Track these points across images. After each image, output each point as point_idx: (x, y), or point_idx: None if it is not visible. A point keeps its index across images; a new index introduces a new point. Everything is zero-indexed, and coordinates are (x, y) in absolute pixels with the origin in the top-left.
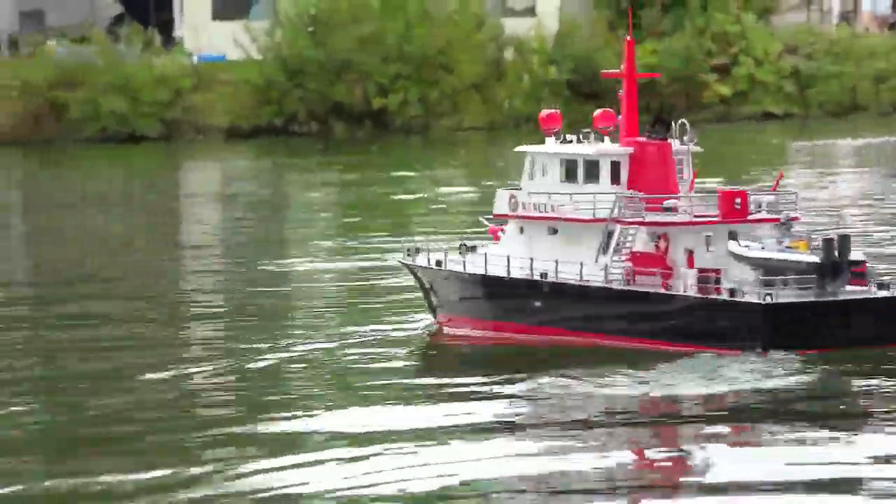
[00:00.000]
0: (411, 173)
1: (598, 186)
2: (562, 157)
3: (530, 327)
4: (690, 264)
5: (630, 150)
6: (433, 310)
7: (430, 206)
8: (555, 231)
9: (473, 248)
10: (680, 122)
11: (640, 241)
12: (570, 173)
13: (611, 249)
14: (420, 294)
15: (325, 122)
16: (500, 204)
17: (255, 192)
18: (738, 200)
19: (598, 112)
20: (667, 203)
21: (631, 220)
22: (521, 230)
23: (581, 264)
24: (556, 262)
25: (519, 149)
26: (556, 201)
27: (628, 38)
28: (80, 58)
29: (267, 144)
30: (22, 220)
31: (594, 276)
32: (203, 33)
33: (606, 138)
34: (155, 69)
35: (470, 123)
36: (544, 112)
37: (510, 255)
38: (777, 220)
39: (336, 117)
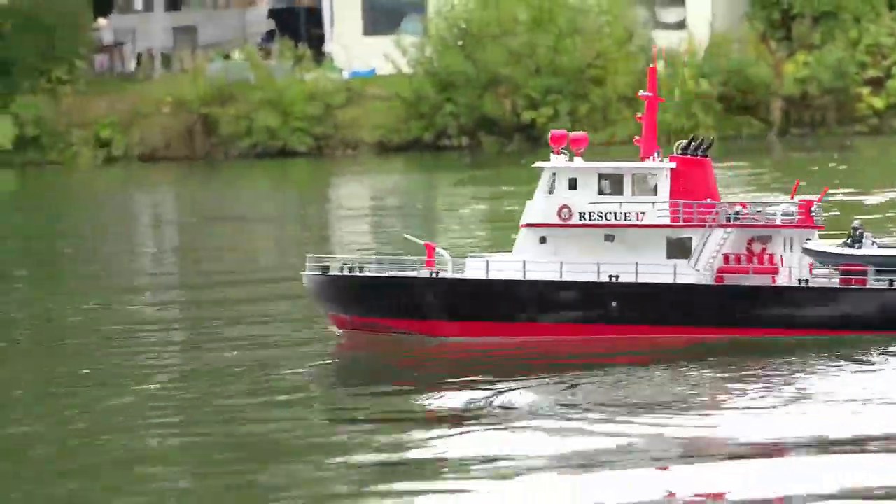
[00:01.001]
0: None
1: (650, 198)
2: (601, 170)
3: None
4: (782, 262)
5: (673, 165)
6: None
7: None
8: (612, 238)
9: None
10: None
11: (731, 244)
12: (612, 187)
13: (707, 251)
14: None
15: (475, 135)
16: (536, 214)
17: (406, 205)
18: (812, 209)
19: (574, 134)
20: (782, 209)
21: (741, 223)
22: (543, 239)
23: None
24: (636, 265)
25: (550, 164)
26: (615, 210)
27: (652, 65)
28: (232, 74)
29: (416, 159)
30: (178, 235)
31: (674, 277)
32: (354, 49)
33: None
34: (306, 85)
35: (620, 137)
36: (574, 134)
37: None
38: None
39: (485, 131)
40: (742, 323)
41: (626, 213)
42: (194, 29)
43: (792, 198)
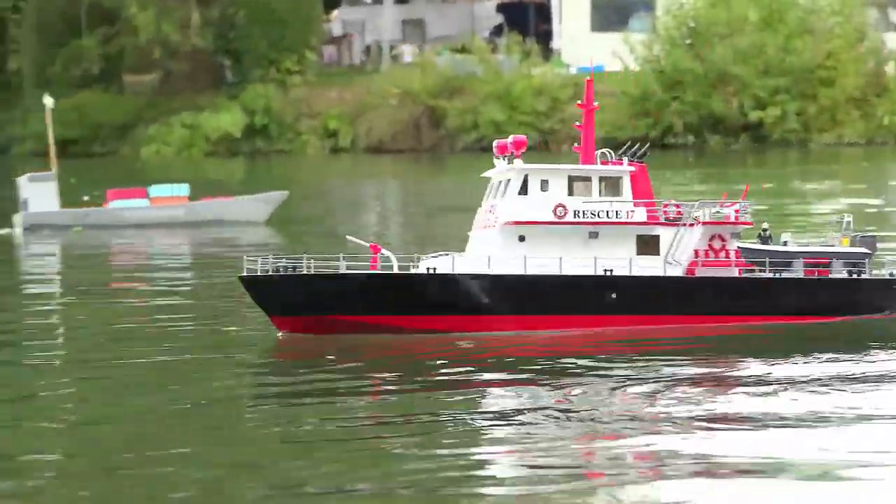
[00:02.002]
0: (778, 186)
1: (620, 198)
2: (570, 173)
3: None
4: (737, 255)
5: (633, 168)
6: None
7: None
8: (596, 235)
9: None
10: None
11: (698, 240)
12: (578, 188)
13: (682, 247)
14: None
15: (700, 134)
16: (516, 213)
17: None
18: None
19: (510, 139)
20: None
21: (714, 221)
22: (522, 238)
23: (630, 261)
24: (631, 260)
25: (525, 167)
26: (606, 209)
27: (588, 77)
28: (460, 67)
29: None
30: (403, 224)
31: (656, 271)
32: (581, 45)
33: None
34: (533, 80)
35: (849, 138)
36: (512, 138)
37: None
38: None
39: (711, 130)
40: (719, 312)
41: (617, 212)
42: (423, 22)
43: (743, 199)
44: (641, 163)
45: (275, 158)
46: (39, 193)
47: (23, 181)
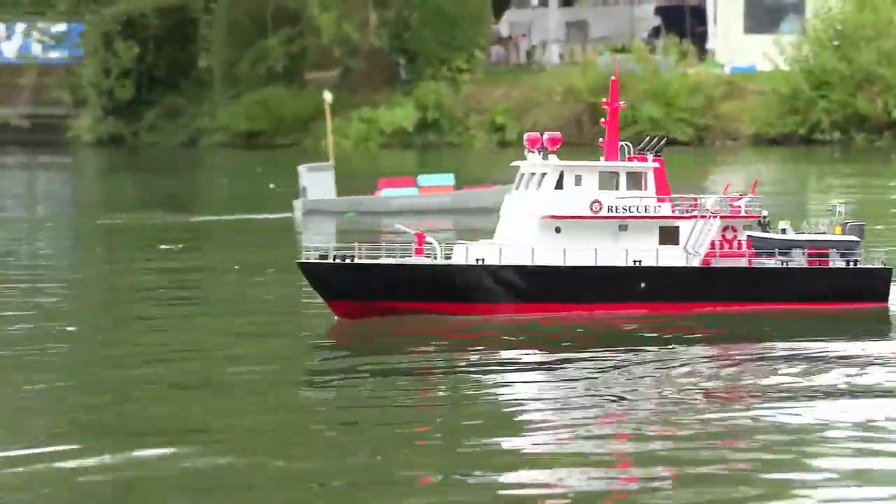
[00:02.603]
0: None
1: (645, 193)
2: (601, 169)
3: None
4: (749, 246)
5: (656, 165)
6: None
7: None
8: (625, 227)
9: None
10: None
11: (716, 232)
12: (607, 182)
13: (700, 238)
14: None
15: (846, 131)
16: (554, 207)
17: (777, 191)
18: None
19: (546, 135)
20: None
21: (738, 215)
22: (558, 229)
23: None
24: (657, 250)
25: (560, 163)
26: (636, 204)
27: (613, 77)
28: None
29: (790, 151)
30: None
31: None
32: (735, 46)
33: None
34: (689, 78)
35: None
36: (547, 134)
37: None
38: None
39: (857, 128)
40: (723, 298)
41: (645, 207)
42: (586, 24)
43: (752, 193)
44: (659, 156)
45: (445, 151)
46: (318, 182)
47: (302, 171)
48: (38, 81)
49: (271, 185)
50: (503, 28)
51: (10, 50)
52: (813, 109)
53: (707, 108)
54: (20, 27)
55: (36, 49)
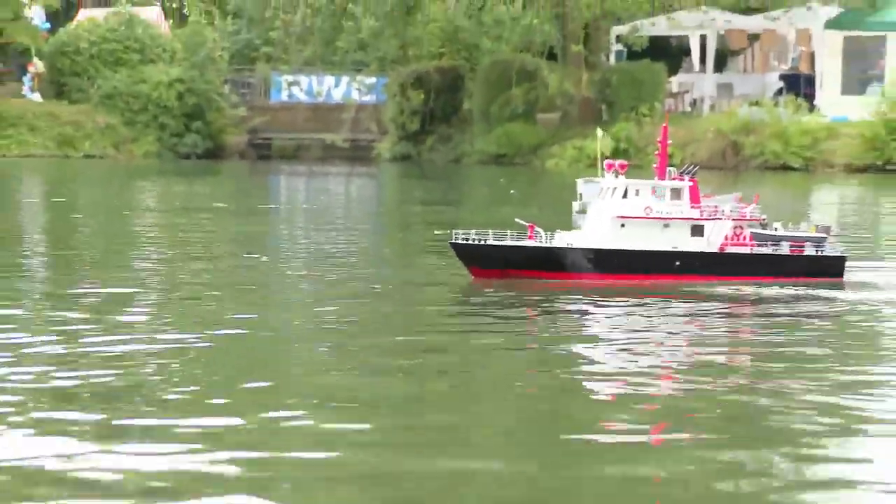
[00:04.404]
0: None
1: (682, 202)
2: (653, 185)
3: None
4: (751, 239)
5: (691, 183)
6: None
7: None
8: (668, 225)
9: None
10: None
11: (729, 229)
12: (659, 195)
13: (717, 233)
14: None
15: None
16: (622, 210)
17: (856, 211)
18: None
19: (617, 161)
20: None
21: (751, 218)
22: (623, 225)
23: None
24: (684, 241)
25: (626, 181)
26: (674, 211)
27: (665, 124)
28: (754, 116)
29: (873, 178)
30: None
31: (704, 247)
32: (834, 102)
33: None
34: (801, 125)
35: None
36: (618, 162)
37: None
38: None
39: None
40: (733, 273)
41: (682, 211)
42: (731, 85)
43: (755, 202)
44: (693, 178)
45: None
46: (588, 191)
47: (580, 182)
48: (356, 116)
49: (511, 192)
50: (674, 86)
51: (338, 94)
52: (888, 148)
53: (813, 145)
54: (345, 79)
55: (355, 94)
